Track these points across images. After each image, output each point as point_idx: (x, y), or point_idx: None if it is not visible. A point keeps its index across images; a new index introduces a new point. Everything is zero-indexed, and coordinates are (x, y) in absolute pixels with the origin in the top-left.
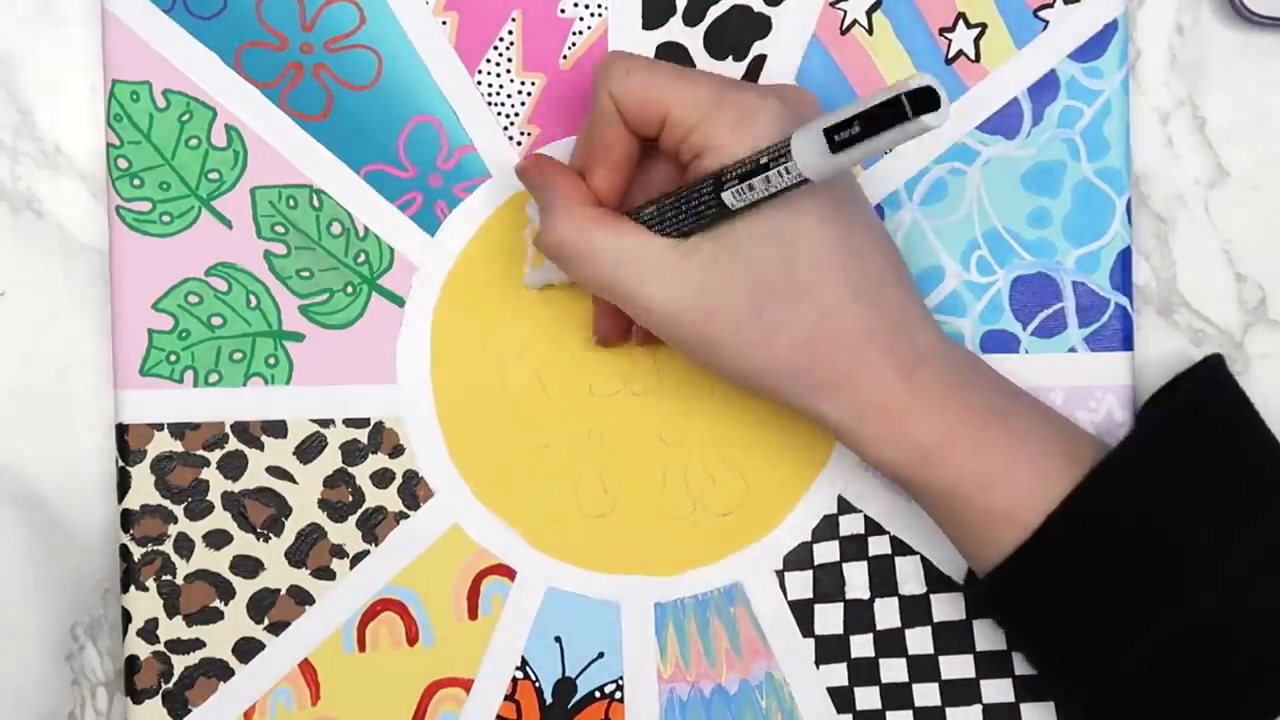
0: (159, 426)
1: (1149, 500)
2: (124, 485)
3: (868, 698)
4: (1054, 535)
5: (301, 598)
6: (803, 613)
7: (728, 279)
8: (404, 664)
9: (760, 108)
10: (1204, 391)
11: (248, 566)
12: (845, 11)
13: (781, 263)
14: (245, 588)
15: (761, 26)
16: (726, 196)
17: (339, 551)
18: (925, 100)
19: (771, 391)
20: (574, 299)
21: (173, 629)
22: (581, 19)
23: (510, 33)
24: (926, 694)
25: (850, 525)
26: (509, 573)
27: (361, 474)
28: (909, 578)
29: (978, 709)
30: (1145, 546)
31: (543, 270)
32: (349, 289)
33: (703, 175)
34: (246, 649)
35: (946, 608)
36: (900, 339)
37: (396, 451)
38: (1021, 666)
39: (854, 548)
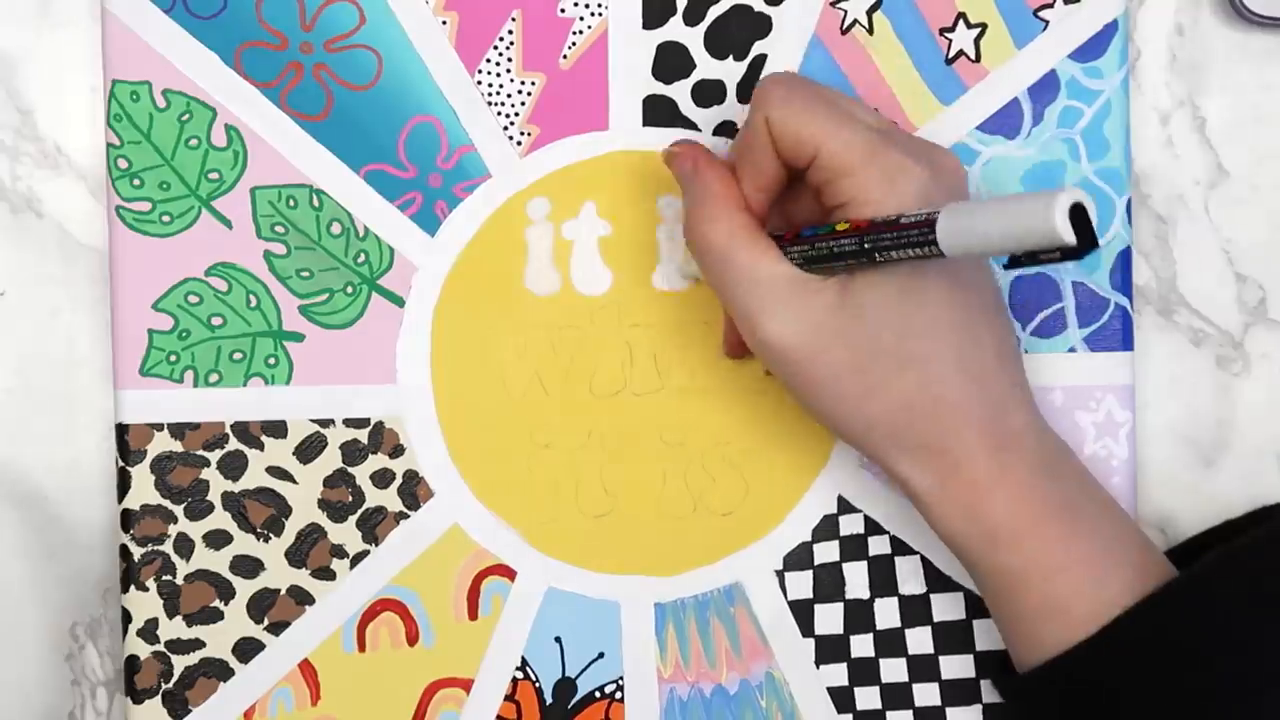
0: (159, 426)
1: (1208, 629)
2: (124, 485)
3: (868, 698)
4: (1112, 642)
5: (301, 598)
6: (803, 613)
7: (841, 331)
8: (404, 664)
9: (908, 171)
10: (1271, 538)
11: (248, 566)
12: (846, 11)
13: (897, 328)
14: (245, 588)
15: (762, 26)
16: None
17: (339, 551)
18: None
19: (859, 444)
20: (570, 300)
21: (173, 629)
22: (581, 19)
23: (510, 32)
24: (926, 694)
25: (850, 525)
26: (509, 573)
27: (361, 474)
28: (909, 578)
29: (978, 709)
30: (1198, 673)
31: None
32: (349, 289)
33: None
34: (246, 649)
35: (946, 608)
36: (996, 418)
37: (397, 451)
38: None
39: (854, 548)
